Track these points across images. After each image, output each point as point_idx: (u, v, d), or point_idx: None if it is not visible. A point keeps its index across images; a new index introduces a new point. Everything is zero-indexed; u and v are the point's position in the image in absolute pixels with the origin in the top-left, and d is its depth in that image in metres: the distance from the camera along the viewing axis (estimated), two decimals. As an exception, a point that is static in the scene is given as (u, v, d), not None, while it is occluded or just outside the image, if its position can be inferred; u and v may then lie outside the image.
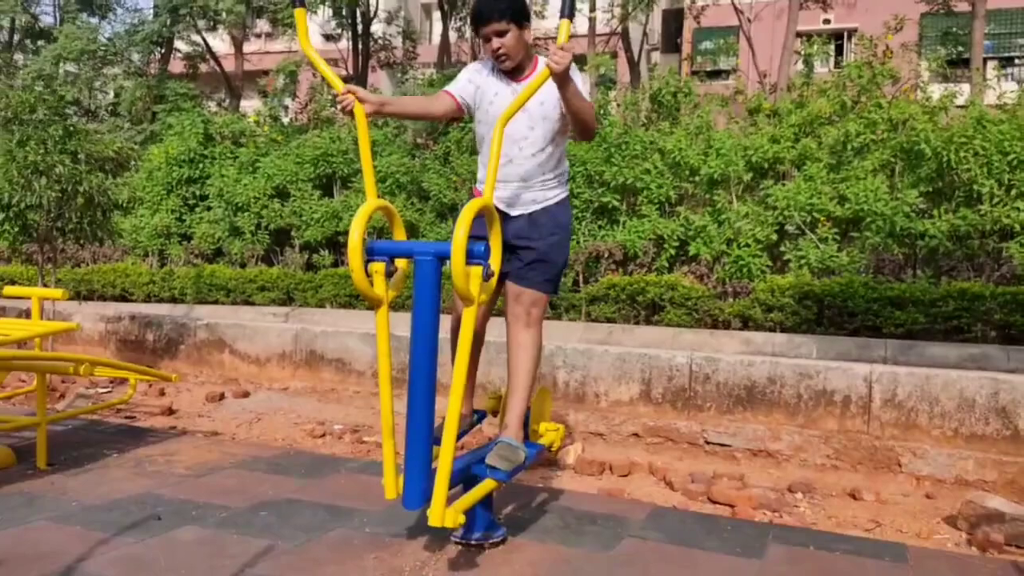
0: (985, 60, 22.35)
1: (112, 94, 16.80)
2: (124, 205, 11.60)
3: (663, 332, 8.45)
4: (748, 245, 8.93)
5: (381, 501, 3.05)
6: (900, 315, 7.67)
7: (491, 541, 2.88)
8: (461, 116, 3.12)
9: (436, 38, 27.75)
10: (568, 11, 2.69)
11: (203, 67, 17.67)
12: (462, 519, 2.51)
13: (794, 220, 8.93)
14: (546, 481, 4.17)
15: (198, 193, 13.05)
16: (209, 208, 12.88)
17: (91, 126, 13.53)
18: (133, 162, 7.29)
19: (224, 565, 2.72)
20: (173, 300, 11.68)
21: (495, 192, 2.95)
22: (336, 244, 11.83)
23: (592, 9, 15.33)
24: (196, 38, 16.38)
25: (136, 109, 15.06)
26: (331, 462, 4.28)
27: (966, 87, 13.91)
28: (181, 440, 4.67)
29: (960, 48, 16.19)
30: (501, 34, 2.87)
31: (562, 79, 2.68)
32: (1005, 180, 8.44)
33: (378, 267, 2.68)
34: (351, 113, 2.79)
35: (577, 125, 2.92)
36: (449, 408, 2.61)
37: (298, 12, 2.98)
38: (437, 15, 26.25)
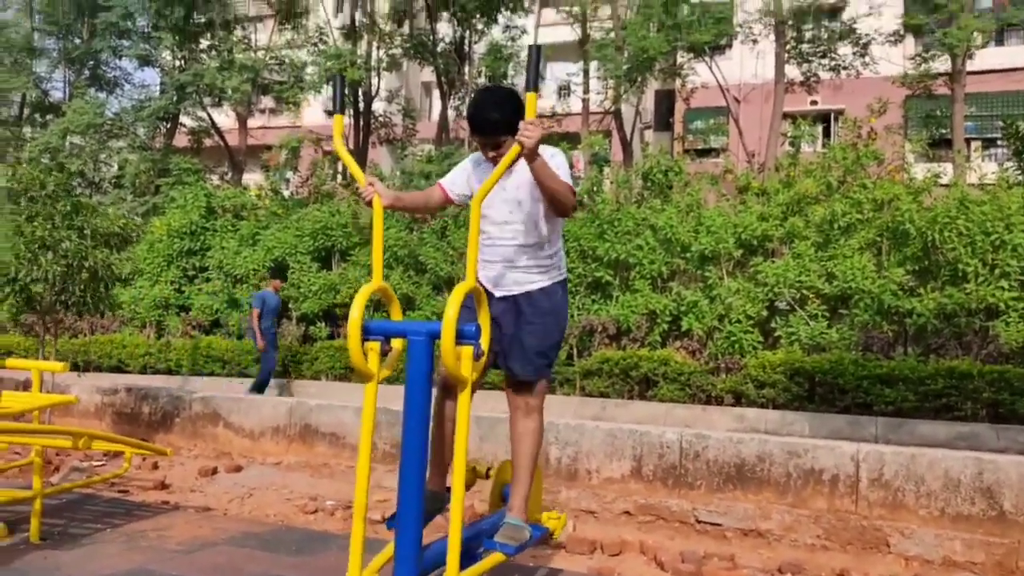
0: (969, 141, 23.06)
1: (116, 166, 17.17)
2: (125, 278, 11.76)
3: (656, 408, 8.52)
4: (739, 321, 9.09)
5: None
6: (890, 393, 7.76)
7: (484, 621, 2.89)
8: (452, 204, 3.27)
9: (436, 115, 28.51)
10: (533, 85, 2.81)
11: (207, 141, 18.12)
12: (472, 588, 2.57)
13: (784, 296, 9.10)
14: (537, 560, 4.18)
15: (198, 265, 13.25)
16: (208, 280, 13.04)
17: (95, 198, 13.82)
18: (136, 235, 7.46)
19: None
20: (169, 371, 11.73)
21: (483, 272, 3.06)
22: (332, 316, 11.95)
23: (586, 91, 15.86)
24: (201, 113, 16.83)
25: (140, 182, 15.37)
26: (322, 539, 4.28)
27: (949, 167, 14.33)
28: (173, 515, 4.67)
29: (943, 130, 16.71)
30: (498, 145, 3.02)
31: (530, 153, 2.75)
32: (989, 260, 8.65)
33: (374, 346, 2.78)
34: (370, 204, 2.94)
35: (547, 199, 3.00)
36: (454, 483, 2.68)
37: (336, 118, 3.15)
38: (437, 94, 27.07)
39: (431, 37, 15.93)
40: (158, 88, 19.61)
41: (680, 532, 4.72)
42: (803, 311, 9.04)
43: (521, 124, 2.72)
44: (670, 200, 10.79)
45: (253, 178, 22.03)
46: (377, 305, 10.88)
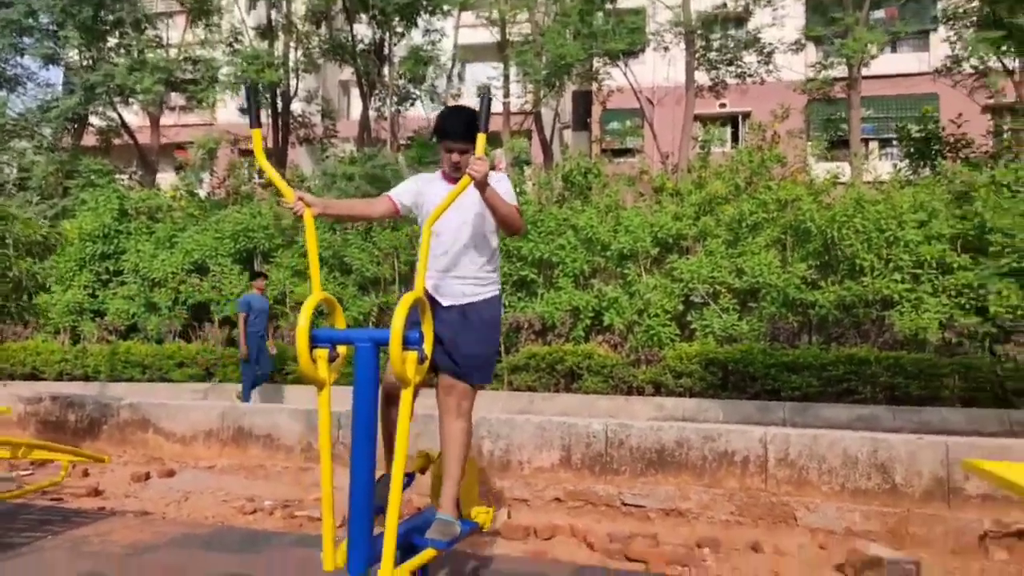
0: (867, 141, 24.47)
1: (16, 168, 16.46)
2: (49, 287, 11.40)
3: (581, 399, 8.87)
4: (657, 315, 9.54)
5: (318, 572, 3.25)
6: (796, 379, 8.33)
7: (429, 603, 3.11)
8: (398, 216, 3.46)
9: (354, 113, 28.31)
10: (484, 127, 3.11)
11: (116, 140, 17.56)
12: (410, 577, 2.77)
13: (698, 292, 9.60)
14: (475, 547, 4.40)
15: (112, 268, 12.88)
16: (123, 283, 12.70)
17: (-1, 200, 13.25)
18: (57, 243, 7.29)
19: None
20: (86, 378, 11.41)
21: (430, 280, 3.28)
22: (257, 319, 11.85)
23: (506, 95, 16.15)
24: (111, 113, 16.30)
25: (47, 184, 14.81)
26: (264, 537, 4.40)
27: (848, 166, 15.25)
28: (112, 521, 4.70)
29: (842, 132, 17.72)
30: (463, 152, 3.25)
31: (480, 185, 3.05)
32: (883, 255, 9.35)
33: (322, 353, 2.95)
34: (301, 217, 3.10)
35: (499, 222, 3.29)
36: (392, 480, 2.87)
37: (255, 132, 3.27)
38: (355, 92, 26.90)
39: (350, 38, 15.88)
40: (61, 87, 18.90)
41: (607, 515, 5.03)
42: (716, 305, 9.55)
43: (471, 159, 2.98)
44: (590, 201, 11.19)
45: (166, 178, 21.43)
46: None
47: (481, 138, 3.09)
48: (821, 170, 13.90)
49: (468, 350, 3.29)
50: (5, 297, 5.57)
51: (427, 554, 3.02)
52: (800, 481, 4.92)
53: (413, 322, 2.98)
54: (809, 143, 15.45)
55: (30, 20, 14.47)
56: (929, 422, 7.55)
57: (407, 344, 2.83)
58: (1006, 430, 7.28)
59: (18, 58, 15.75)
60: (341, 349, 3.08)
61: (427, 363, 3.02)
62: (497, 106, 18.44)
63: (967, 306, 8.88)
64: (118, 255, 12.90)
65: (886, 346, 8.80)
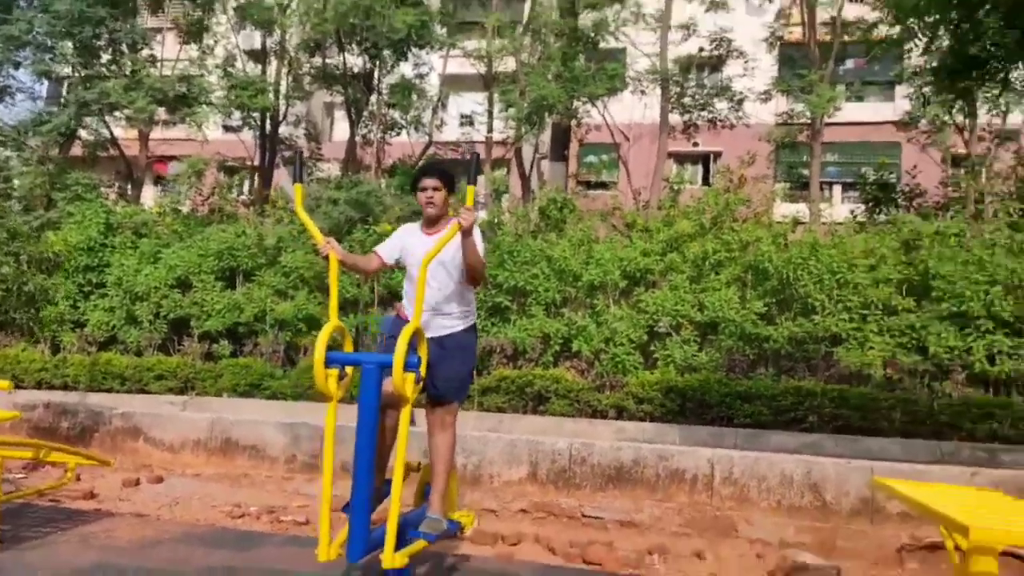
0: (831, 184, 25.47)
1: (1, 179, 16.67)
2: (57, 301, 11.76)
3: (548, 421, 9.36)
4: (623, 344, 10.10)
5: (312, 567, 3.73)
6: (748, 407, 8.91)
7: (411, 591, 3.59)
8: (387, 268, 4.06)
9: (336, 135, 28.79)
10: (472, 180, 3.70)
11: (102, 153, 17.84)
12: (406, 562, 3.27)
13: (662, 323, 10.18)
14: (449, 549, 4.87)
15: (95, 280, 13.13)
16: (105, 295, 12.97)
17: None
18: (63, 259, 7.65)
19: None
20: (65, 387, 11.64)
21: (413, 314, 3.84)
22: (236, 335, 12.20)
23: (490, 130, 16.79)
24: (103, 130, 16.64)
25: (31, 195, 15.08)
26: (257, 537, 4.83)
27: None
28: (113, 520, 5.09)
29: (804, 177, 18.59)
30: (436, 188, 3.84)
31: (466, 232, 3.61)
32: (833, 295, 10.02)
33: (333, 373, 3.47)
34: (327, 258, 3.65)
35: (468, 270, 3.85)
36: (394, 482, 3.38)
37: (296, 187, 3.86)
38: (339, 114, 27.40)
39: (343, 68, 16.45)
40: (44, 98, 19.14)
41: (569, 525, 5.52)
42: (678, 336, 10.14)
43: (461, 209, 3.55)
44: (564, 233, 11.76)
45: (149, 191, 21.66)
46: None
47: (471, 190, 3.67)
48: (787, 210, 14.66)
49: (447, 373, 3.84)
50: (16, 310, 5.91)
51: (419, 544, 3.52)
52: (742, 498, 5.46)
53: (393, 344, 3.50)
54: (775, 186, 16.25)
55: (29, 36, 14.82)
56: (869, 450, 8.14)
57: (407, 367, 3.36)
58: (936, 459, 7.88)
59: (11, 70, 16.06)
60: (348, 370, 3.60)
61: (422, 383, 3.55)
62: (478, 132, 19.18)
63: (909, 345, 9.54)
64: (101, 268, 13.18)
65: (832, 379, 9.41)
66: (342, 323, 3.65)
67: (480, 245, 3.84)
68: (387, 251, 4.05)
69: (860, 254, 10.35)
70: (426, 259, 3.60)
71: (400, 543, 3.53)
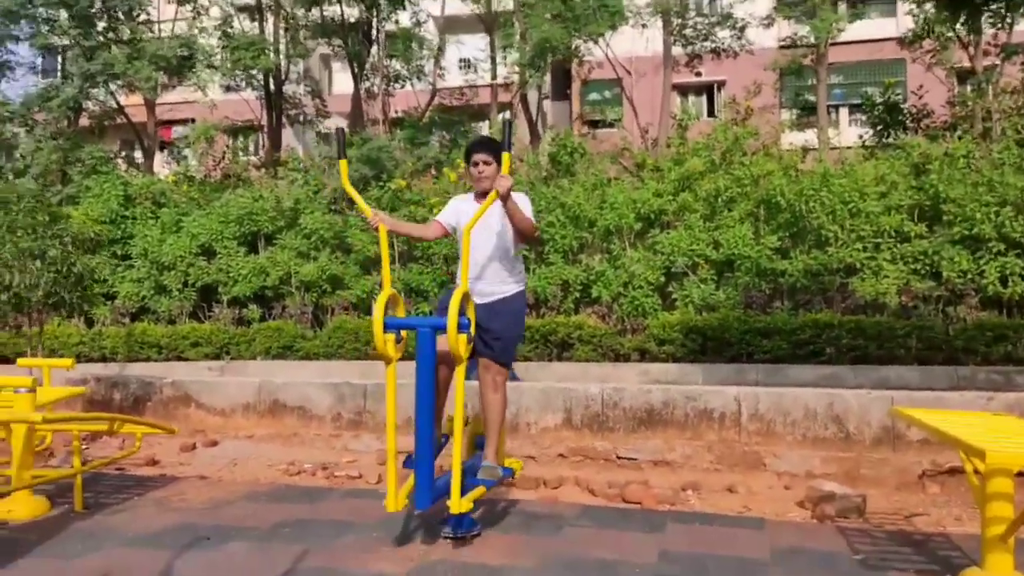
0: (838, 107, 25.24)
1: (7, 155, 16.81)
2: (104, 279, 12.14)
3: (574, 367, 9.69)
4: (641, 287, 10.34)
5: (377, 516, 4.08)
6: (767, 343, 9.19)
7: (472, 534, 3.93)
8: (448, 236, 4.27)
9: (336, 87, 28.66)
10: (508, 146, 3.89)
11: (109, 122, 17.94)
12: (471, 506, 3.61)
13: (678, 264, 10.40)
14: (498, 496, 5.22)
15: (120, 253, 13.43)
16: (131, 267, 13.28)
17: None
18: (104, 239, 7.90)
19: (278, 563, 3.66)
20: (103, 359, 12.03)
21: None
22: (264, 298, 12.51)
23: (494, 76, 16.73)
24: (110, 101, 16.70)
25: (47, 171, 15.25)
26: (319, 492, 5.19)
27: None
28: (180, 484, 5.46)
29: (811, 103, 18.48)
30: (487, 163, 4.05)
31: (504, 197, 3.82)
32: (847, 225, 10.18)
33: (390, 337, 3.75)
34: (377, 230, 3.88)
35: (517, 232, 4.07)
36: (455, 435, 3.69)
37: (342, 163, 4.08)
38: (336, 65, 27.22)
39: (340, 19, 16.36)
40: (42, 71, 19.11)
41: (605, 467, 5.85)
42: (695, 276, 10.36)
43: (498, 177, 3.75)
44: (576, 178, 11.89)
45: (157, 158, 21.76)
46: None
47: (506, 156, 3.86)
48: (795, 139, 14.67)
49: (496, 335, 4.09)
50: (69, 291, 6.21)
51: (479, 490, 3.87)
52: (768, 433, 5.77)
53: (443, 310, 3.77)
54: (782, 116, 16.21)
55: (25, 8, 14.78)
56: (887, 379, 8.43)
57: (460, 329, 3.63)
58: (953, 384, 8.18)
59: (11, 45, 16.06)
60: (403, 333, 3.87)
61: (472, 343, 3.83)
62: (481, 74, 19.08)
63: (922, 272, 9.74)
64: (125, 239, 13.46)
65: (848, 310, 9.65)
66: (395, 290, 3.90)
67: (527, 208, 4.05)
68: (445, 219, 4.28)
69: (870, 182, 10.47)
70: (467, 227, 3.83)
71: (462, 490, 3.87)
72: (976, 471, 3.53)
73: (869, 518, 4.59)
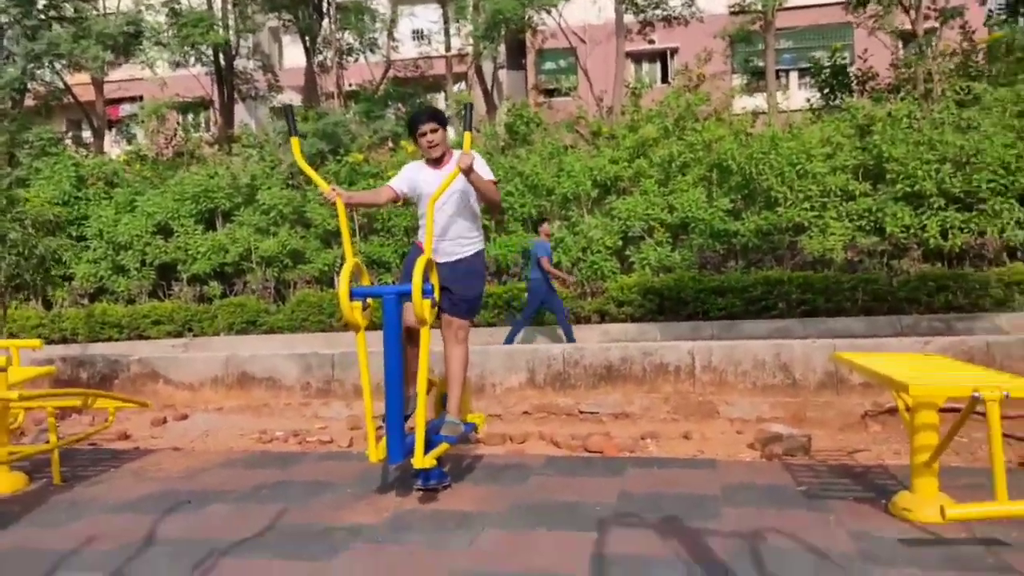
0: (787, 71, 25.65)
1: None
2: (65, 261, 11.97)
3: (536, 330, 9.92)
4: (600, 251, 10.61)
5: (351, 475, 4.27)
6: (721, 301, 9.53)
7: (443, 485, 4.15)
8: (398, 201, 4.39)
9: (286, 61, 28.24)
10: (468, 127, 4.06)
11: (55, 102, 17.55)
12: (435, 463, 3.80)
13: (635, 228, 10.67)
14: (467, 451, 5.45)
15: (74, 234, 13.28)
16: (87, 248, 13.15)
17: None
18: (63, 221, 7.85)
19: (260, 521, 3.83)
20: (64, 340, 11.97)
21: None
22: (224, 275, 12.52)
23: (448, 48, 16.72)
24: (57, 81, 16.32)
25: (-2, 155, 14.91)
26: (293, 457, 5.35)
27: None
28: (155, 455, 5.57)
29: (760, 69, 18.83)
30: (434, 130, 4.18)
31: (467, 172, 4.00)
32: (795, 187, 10.53)
33: (357, 305, 3.91)
34: (334, 204, 4.01)
35: (483, 200, 4.25)
36: (419, 394, 3.87)
37: (294, 140, 4.17)
38: (287, 39, 26.78)
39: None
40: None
41: (568, 422, 6.11)
42: (651, 239, 10.65)
43: (459, 153, 3.92)
44: (532, 148, 12.07)
45: (112, 138, 21.32)
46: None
47: (468, 136, 4.03)
48: (746, 103, 14.97)
49: (459, 294, 4.28)
50: (32, 273, 6.21)
51: (443, 447, 4.06)
52: (721, 383, 6.08)
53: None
54: (733, 82, 16.48)
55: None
56: (833, 330, 8.84)
57: (424, 294, 3.81)
58: (896, 332, 8.61)
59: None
60: (370, 301, 4.04)
61: (436, 308, 4.01)
62: (432, 46, 19.05)
63: (867, 228, 10.16)
64: (79, 221, 13.30)
65: (798, 267, 10.04)
66: (357, 260, 4.05)
67: (483, 168, 4.21)
68: (398, 184, 4.37)
69: (817, 144, 10.83)
70: (432, 199, 4.00)
71: (427, 447, 4.07)
72: (908, 408, 3.82)
73: (814, 455, 4.91)
